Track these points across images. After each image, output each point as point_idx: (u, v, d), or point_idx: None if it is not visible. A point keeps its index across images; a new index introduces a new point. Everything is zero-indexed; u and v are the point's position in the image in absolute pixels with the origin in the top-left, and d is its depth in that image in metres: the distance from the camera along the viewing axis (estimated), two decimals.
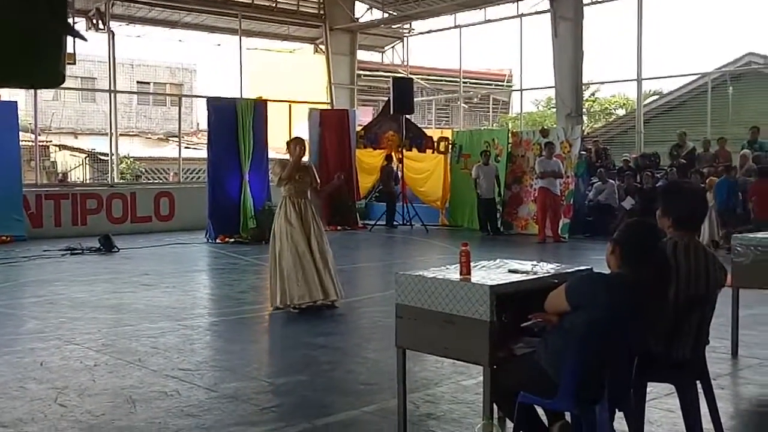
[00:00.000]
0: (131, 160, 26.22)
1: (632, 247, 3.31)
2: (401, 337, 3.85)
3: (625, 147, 18.51)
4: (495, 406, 3.71)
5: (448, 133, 19.18)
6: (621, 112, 29.08)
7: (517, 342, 3.58)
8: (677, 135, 15.91)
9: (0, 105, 16.12)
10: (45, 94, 24.10)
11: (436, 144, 17.91)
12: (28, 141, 19.69)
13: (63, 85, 2.75)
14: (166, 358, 5.96)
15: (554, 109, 20.47)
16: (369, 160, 18.59)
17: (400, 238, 15.87)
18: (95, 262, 11.93)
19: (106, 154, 21.39)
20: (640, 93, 17.99)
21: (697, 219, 3.93)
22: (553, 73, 17.58)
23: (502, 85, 31.62)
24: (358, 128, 18.83)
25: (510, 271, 3.87)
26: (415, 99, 18.61)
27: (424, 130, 19.91)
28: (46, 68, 2.34)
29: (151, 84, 33.11)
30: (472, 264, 3.79)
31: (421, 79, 27.07)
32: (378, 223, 17.43)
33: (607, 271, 3.40)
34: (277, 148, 16.92)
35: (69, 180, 24.42)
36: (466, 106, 28.58)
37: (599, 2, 17.91)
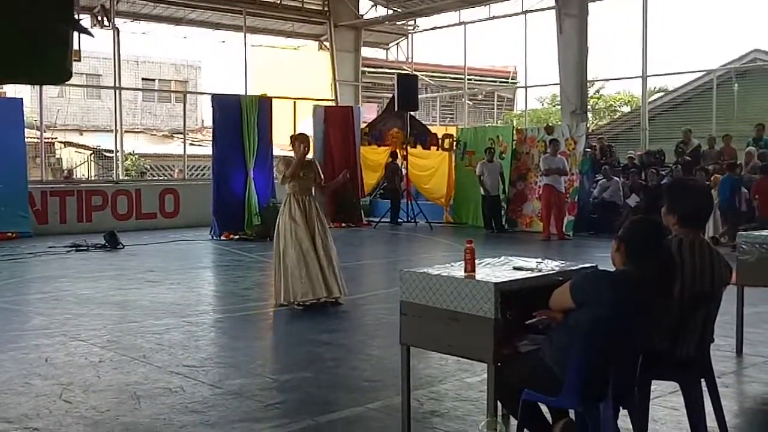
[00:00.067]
0: (136, 156, 26.22)
1: (637, 245, 3.30)
2: (405, 334, 3.85)
3: (630, 144, 18.48)
4: (499, 404, 3.71)
5: (452, 130, 19.16)
6: (626, 109, 29.02)
7: (521, 339, 3.58)
8: (682, 132, 15.87)
9: (5, 102, 16.18)
10: (50, 90, 24.15)
11: (440, 141, 17.89)
12: (34, 138, 19.72)
13: (68, 82, 2.75)
14: (171, 354, 5.97)
15: (559, 106, 20.42)
16: (373, 157, 18.59)
17: (404, 236, 15.87)
18: (100, 259, 11.96)
19: (111, 151, 21.40)
20: (645, 90, 17.97)
21: (702, 216, 3.92)
22: (558, 70, 17.54)
23: (507, 82, 31.58)
24: (363, 125, 18.84)
25: (515, 268, 3.87)
26: (419, 96, 18.59)
27: (429, 127, 19.89)
28: (52, 64, 2.34)
29: (156, 81, 33.13)
30: (476, 261, 3.79)
31: (426, 76, 27.06)
32: (382, 220, 17.43)
33: (612, 268, 3.40)
34: (281, 145, 16.92)
35: (74, 177, 24.45)
36: (471, 103, 28.57)
37: None
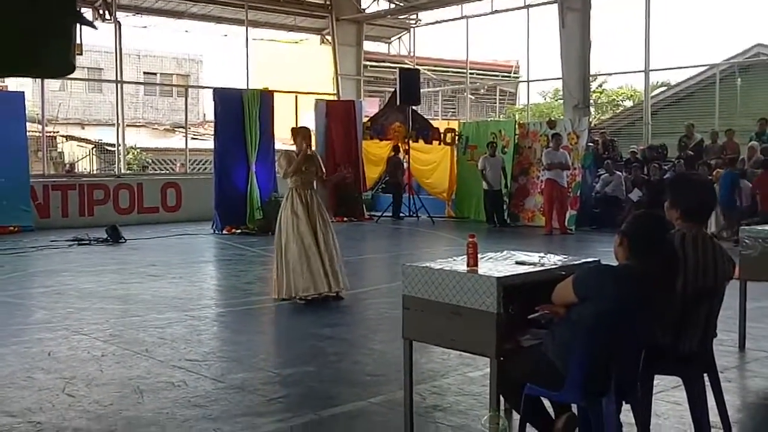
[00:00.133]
0: (138, 150, 26.24)
1: (640, 239, 3.29)
2: (408, 328, 3.85)
3: (633, 139, 18.44)
4: (501, 398, 3.71)
5: (454, 125, 19.17)
6: (628, 103, 28.98)
7: (524, 334, 3.57)
8: (685, 127, 15.85)
9: (7, 95, 16.18)
10: (52, 84, 24.13)
11: (442, 135, 17.88)
12: (36, 131, 19.73)
13: (70, 76, 2.74)
14: (173, 348, 5.98)
15: (561, 101, 20.41)
16: (375, 151, 18.58)
17: (406, 230, 15.87)
18: (102, 253, 11.97)
19: (112, 145, 21.43)
20: (647, 84, 17.92)
21: (705, 211, 3.92)
22: (561, 64, 17.51)
23: (509, 77, 31.53)
24: (365, 119, 18.82)
25: (517, 262, 3.86)
26: (421, 90, 18.57)
27: (431, 121, 19.87)
28: (56, 57, 2.33)
29: (158, 75, 33.11)
30: (479, 255, 3.79)
31: (428, 70, 27.02)
32: (384, 214, 17.43)
33: (614, 263, 3.39)
34: (283, 139, 16.92)
35: (76, 170, 24.49)
36: (473, 98, 28.51)
37: None
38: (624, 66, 32.71)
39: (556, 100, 28.50)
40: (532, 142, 16.13)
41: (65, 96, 29.71)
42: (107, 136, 24.99)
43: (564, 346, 3.27)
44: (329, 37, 21.89)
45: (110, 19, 17.89)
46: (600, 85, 29.76)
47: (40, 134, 18.48)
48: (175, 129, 30.46)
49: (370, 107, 22.54)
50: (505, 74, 31.92)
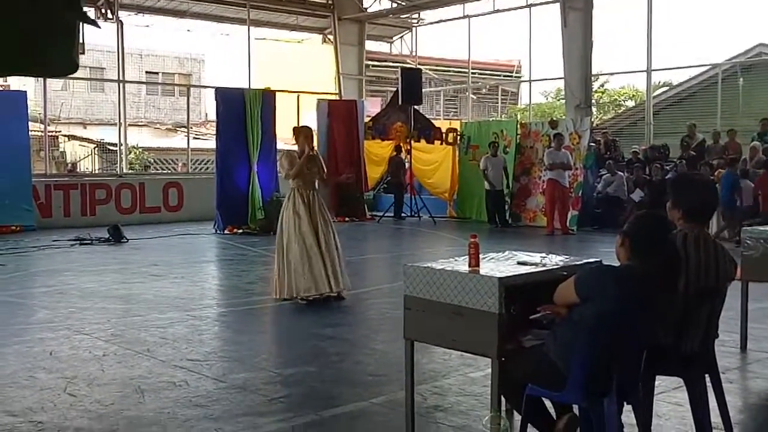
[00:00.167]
0: (140, 150, 26.26)
1: (642, 239, 3.29)
2: (409, 328, 3.85)
3: (635, 139, 18.43)
4: (503, 399, 3.71)
5: (456, 124, 19.16)
6: (630, 103, 28.95)
7: (525, 334, 3.58)
8: (687, 127, 15.83)
9: (9, 95, 16.18)
10: (54, 84, 24.16)
11: (444, 135, 17.88)
12: (38, 131, 19.74)
13: (72, 75, 2.74)
14: (175, 348, 5.98)
15: (563, 101, 20.39)
16: (377, 151, 18.57)
17: (408, 230, 15.86)
18: (104, 253, 11.98)
19: (114, 145, 21.42)
20: (649, 84, 17.91)
21: (707, 211, 3.91)
22: (563, 64, 17.51)
23: (511, 76, 31.50)
24: (367, 119, 18.81)
25: (519, 263, 3.86)
26: (423, 90, 18.57)
27: (433, 121, 19.87)
28: (59, 56, 2.33)
29: (160, 74, 33.11)
30: (480, 256, 3.79)
31: (430, 69, 27.01)
32: (386, 214, 17.43)
33: (616, 263, 3.39)
34: (285, 139, 16.91)
35: (78, 170, 24.49)
36: (475, 97, 28.49)
37: None
38: (626, 66, 32.62)
39: (558, 100, 28.47)
40: (534, 142, 16.12)
41: (67, 95, 29.73)
42: (109, 135, 25.00)
43: (565, 346, 3.27)
44: (331, 37, 21.88)
45: (112, 19, 17.88)
46: (602, 85, 29.74)
47: (43, 133, 18.50)
48: (177, 128, 30.46)
49: (372, 107, 22.53)
50: (507, 74, 31.90)
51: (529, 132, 16.36)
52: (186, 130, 21.12)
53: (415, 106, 17.85)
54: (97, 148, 27.10)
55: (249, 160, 15.39)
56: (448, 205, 17.92)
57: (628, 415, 3.50)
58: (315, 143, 8.37)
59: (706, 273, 3.61)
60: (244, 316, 7.59)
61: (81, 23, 2.42)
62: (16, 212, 14.36)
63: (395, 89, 18.48)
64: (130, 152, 22.95)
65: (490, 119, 24.90)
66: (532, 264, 3.83)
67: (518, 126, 16.82)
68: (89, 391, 4.88)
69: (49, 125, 18.79)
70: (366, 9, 21.97)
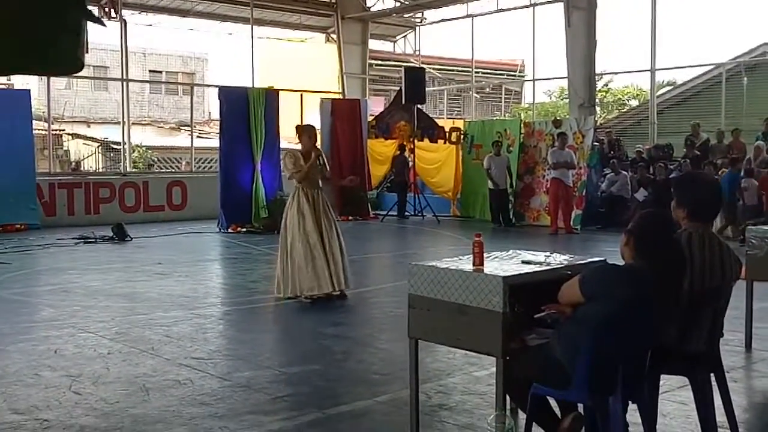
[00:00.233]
0: (144, 149, 26.28)
1: (646, 239, 3.29)
2: (414, 327, 3.85)
3: (638, 138, 18.42)
4: (507, 397, 3.71)
5: (459, 124, 19.13)
6: (634, 102, 28.93)
7: (529, 333, 3.58)
8: (691, 126, 15.81)
9: (13, 93, 16.19)
10: (58, 82, 24.17)
11: (447, 134, 17.87)
12: (42, 130, 19.76)
13: (76, 74, 2.74)
14: (179, 346, 5.99)
15: (567, 100, 20.37)
16: (381, 150, 18.58)
17: (411, 229, 15.87)
18: (108, 251, 12.00)
19: (118, 143, 21.46)
20: (653, 83, 17.89)
21: (712, 210, 3.91)
22: (566, 63, 17.49)
23: (515, 75, 31.47)
24: (370, 118, 18.82)
25: (523, 262, 3.86)
26: (426, 89, 18.58)
27: (436, 120, 19.86)
28: (64, 54, 2.33)
29: (163, 73, 33.16)
30: (484, 255, 3.79)
31: (433, 68, 26.97)
32: (389, 213, 17.43)
33: (621, 262, 3.39)
34: (288, 138, 16.91)
35: (82, 169, 24.54)
36: (478, 96, 28.46)
37: None
38: (630, 65, 32.58)
39: (562, 99, 28.45)
40: (538, 141, 16.11)
41: (71, 94, 29.77)
42: (113, 134, 25.04)
43: (570, 345, 3.27)
44: (334, 36, 21.89)
45: (116, 17, 17.92)
46: (606, 84, 29.71)
47: (46, 132, 18.52)
48: (181, 127, 30.50)
49: (376, 106, 22.52)
50: (511, 73, 31.86)
51: (533, 131, 16.35)
52: (189, 128, 21.15)
53: (419, 105, 17.85)
54: (100, 147, 27.14)
55: (252, 158, 15.40)
56: (452, 204, 17.92)
57: (633, 414, 3.50)
58: (318, 142, 8.36)
59: (711, 272, 3.60)
60: (249, 314, 7.60)
61: (86, 22, 2.42)
62: (21, 211, 14.39)
63: (399, 88, 18.49)
64: (134, 151, 22.96)
65: (494, 118, 24.87)
66: (536, 263, 3.83)
67: (522, 125, 16.79)
68: (94, 389, 4.89)
69: (52, 124, 18.79)
70: (369, 8, 21.97)
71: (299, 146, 8.07)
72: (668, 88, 22.90)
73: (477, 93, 26.90)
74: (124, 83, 18.11)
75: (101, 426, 4.24)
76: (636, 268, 3.28)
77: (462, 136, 17.68)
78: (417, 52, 24.04)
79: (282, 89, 16.95)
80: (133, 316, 7.20)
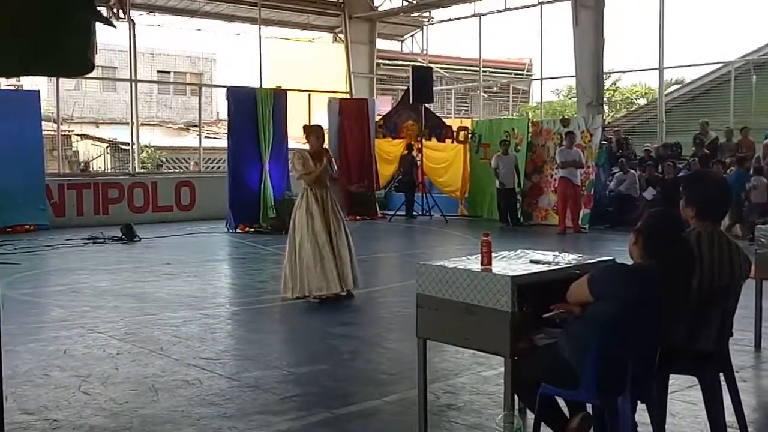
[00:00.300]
0: (152, 149, 26.36)
1: (655, 238, 3.28)
2: (422, 327, 3.85)
3: (647, 137, 18.36)
4: (516, 397, 3.71)
5: (467, 123, 19.12)
6: (642, 101, 28.82)
7: (538, 333, 3.57)
8: (699, 125, 15.75)
9: (23, 94, 16.26)
10: (66, 83, 24.27)
11: (455, 133, 17.87)
12: (51, 130, 19.85)
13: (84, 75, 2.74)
14: (188, 347, 6.01)
15: (575, 99, 20.32)
16: (389, 150, 18.59)
17: (419, 229, 15.86)
18: (117, 251, 12.04)
19: (127, 144, 21.53)
20: (661, 82, 17.83)
21: (721, 209, 3.90)
22: (574, 61, 17.44)
23: (522, 74, 31.43)
24: (378, 118, 18.82)
25: (531, 261, 3.85)
26: (434, 88, 18.56)
27: (444, 119, 19.85)
28: (73, 55, 2.33)
29: (172, 73, 33.24)
30: (493, 254, 3.78)
31: (441, 68, 26.98)
32: (397, 213, 17.43)
33: (629, 261, 3.38)
34: (296, 138, 16.93)
35: (91, 169, 24.62)
36: (486, 96, 28.45)
37: None
38: (638, 63, 32.49)
39: (570, 98, 28.37)
40: (546, 140, 16.08)
41: (80, 95, 29.88)
42: (121, 134, 25.11)
43: (579, 345, 3.26)
44: (342, 36, 21.90)
45: (124, 18, 17.97)
46: (614, 83, 29.60)
47: (56, 133, 18.60)
48: (189, 128, 30.57)
49: (383, 105, 22.53)
50: (518, 72, 31.83)
51: (541, 130, 16.32)
52: (198, 129, 21.20)
53: (426, 105, 17.85)
54: (109, 148, 27.24)
55: (260, 158, 15.43)
56: (460, 203, 17.91)
57: (641, 414, 3.50)
58: (326, 142, 8.36)
59: (719, 271, 3.59)
60: (257, 314, 7.61)
61: (95, 23, 2.43)
62: (30, 211, 14.45)
63: (406, 88, 18.48)
64: (143, 151, 23.03)
65: (502, 117, 24.87)
66: (544, 262, 3.83)
67: (530, 124, 16.77)
68: (103, 389, 4.91)
69: (62, 125, 18.88)
70: (377, 8, 21.97)
71: (307, 146, 8.07)
72: (676, 86, 22.81)
73: (485, 92, 26.88)
74: (133, 84, 18.16)
75: (110, 426, 4.26)
76: (645, 268, 3.27)
77: (470, 136, 17.67)
78: (424, 52, 24.03)
79: (290, 89, 16.98)
80: (142, 316, 7.22)
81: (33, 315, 7.31)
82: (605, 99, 20.83)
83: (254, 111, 15.45)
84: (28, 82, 22.87)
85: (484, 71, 24.03)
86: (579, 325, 3.32)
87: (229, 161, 15.55)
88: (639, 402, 3.40)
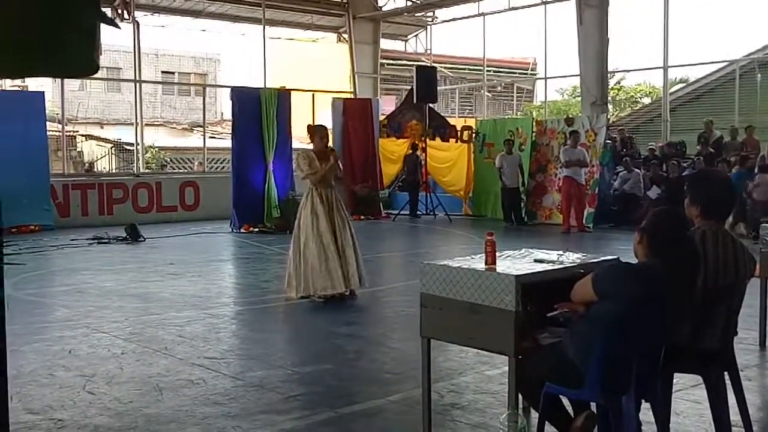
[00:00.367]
0: (156, 149, 26.39)
1: (660, 236, 3.28)
2: (426, 326, 3.85)
3: (651, 136, 18.33)
4: (520, 396, 3.71)
5: (471, 122, 19.11)
6: (647, 100, 28.76)
7: (542, 332, 3.57)
8: (704, 123, 15.72)
9: (27, 95, 16.29)
10: (71, 84, 24.34)
11: (459, 133, 17.85)
12: (55, 131, 19.89)
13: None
14: (192, 346, 6.01)
15: (579, 98, 20.30)
16: (393, 149, 18.59)
17: (423, 228, 15.86)
18: (122, 251, 12.06)
19: (131, 144, 21.55)
20: (666, 81, 17.81)
21: (725, 208, 3.89)
22: (578, 61, 17.41)
23: (526, 74, 31.39)
24: (382, 117, 18.82)
25: (536, 260, 3.85)
26: (438, 88, 18.56)
27: (448, 119, 19.84)
28: (78, 57, 2.33)
29: (176, 74, 33.27)
30: (497, 254, 3.78)
31: (445, 67, 26.97)
32: (401, 212, 17.43)
33: (634, 260, 3.38)
34: (300, 138, 16.94)
35: (95, 170, 24.66)
36: (490, 95, 28.44)
37: None
38: (642, 62, 32.40)
39: (574, 97, 28.34)
40: (550, 140, 16.06)
41: (84, 95, 29.94)
42: (126, 135, 25.14)
43: (583, 344, 3.26)
44: (346, 36, 21.91)
45: (129, 19, 18.00)
46: (618, 82, 29.56)
47: (60, 133, 18.63)
48: (193, 128, 30.60)
49: (387, 105, 22.54)
50: (523, 71, 31.79)
51: (545, 129, 16.31)
52: (202, 129, 21.22)
53: (430, 104, 17.86)
54: (114, 148, 27.27)
55: (265, 159, 15.44)
56: (464, 203, 17.90)
57: (646, 413, 3.49)
58: (330, 142, 8.36)
59: (724, 270, 3.58)
60: (261, 314, 7.62)
61: (100, 24, 2.43)
62: (35, 212, 14.46)
63: (410, 87, 18.49)
64: (147, 152, 23.06)
65: (506, 117, 24.83)
66: (549, 262, 3.82)
67: (534, 123, 16.76)
68: (108, 389, 4.92)
69: (66, 125, 18.91)
70: (381, 7, 21.97)
71: (311, 146, 8.08)
72: (681, 85, 22.78)
73: (489, 91, 26.88)
74: (137, 84, 18.18)
75: (115, 426, 4.27)
76: (649, 267, 3.26)
77: (474, 135, 17.65)
78: (428, 51, 24.03)
79: (294, 89, 16.98)
80: (147, 316, 7.23)
81: (38, 315, 7.32)
82: (609, 98, 20.79)
83: (258, 111, 15.46)
84: (33, 83, 22.92)
85: (488, 71, 24.02)
86: (583, 325, 3.32)
87: (233, 161, 15.57)
88: (643, 401, 3.39)
